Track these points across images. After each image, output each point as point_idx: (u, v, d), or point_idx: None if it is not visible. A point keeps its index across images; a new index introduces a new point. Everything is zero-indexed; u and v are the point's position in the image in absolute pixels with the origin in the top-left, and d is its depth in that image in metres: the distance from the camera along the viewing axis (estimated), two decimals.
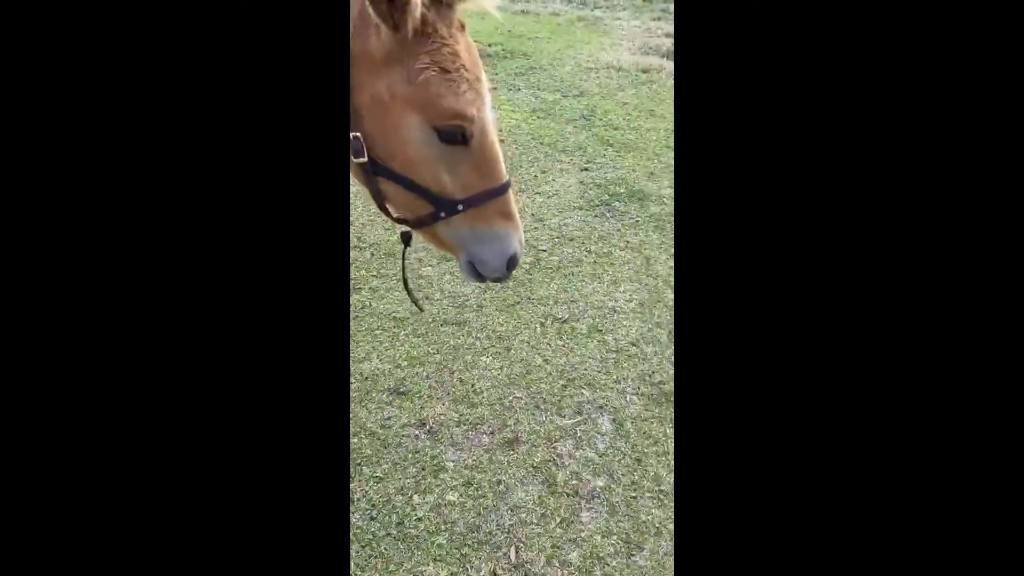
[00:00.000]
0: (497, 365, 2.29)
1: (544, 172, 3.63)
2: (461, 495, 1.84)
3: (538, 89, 4.78)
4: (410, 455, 1.94)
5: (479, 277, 1.22)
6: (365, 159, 1.10)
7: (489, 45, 5.50)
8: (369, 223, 3.07)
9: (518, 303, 2.61)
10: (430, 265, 2.80)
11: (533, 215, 3.22)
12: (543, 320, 2.53)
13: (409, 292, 1.39)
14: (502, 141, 3.91)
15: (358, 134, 1.08)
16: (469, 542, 1.72)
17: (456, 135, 1.07)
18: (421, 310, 1.75)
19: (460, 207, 1.13)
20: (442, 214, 1.14)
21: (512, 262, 1.21)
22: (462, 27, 1.09)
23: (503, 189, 1.15)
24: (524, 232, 3.27)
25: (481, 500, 1.83)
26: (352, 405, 2.10)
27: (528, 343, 2.41)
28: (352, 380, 2.19)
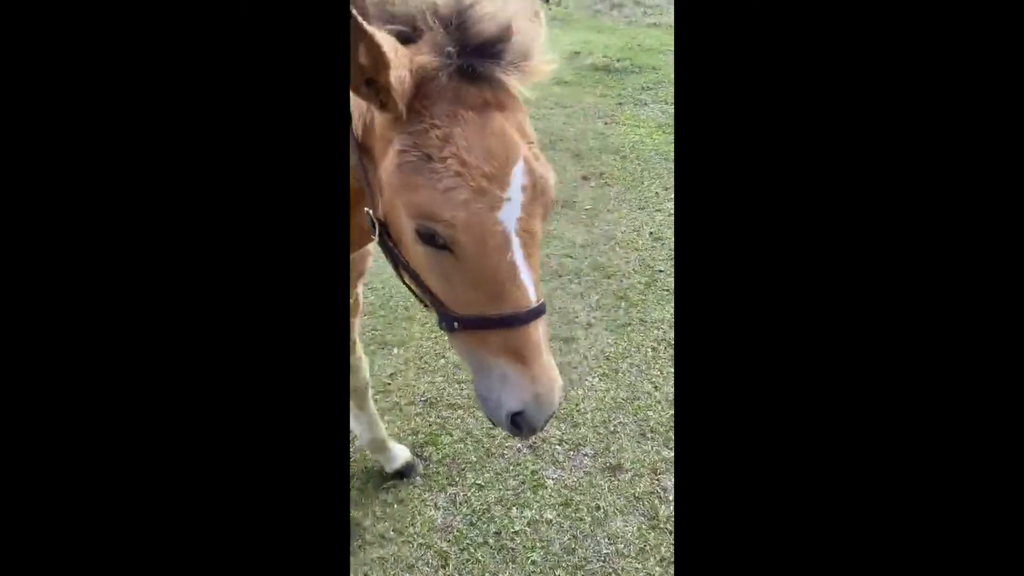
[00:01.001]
0: (603, 387, 2.25)
1: (667, 189, 3.51)
2: (559, 515, 1.82)
3: (666, 103, 4.65)
4: (511, 467, 1.97)
5: (491, 419, 0.93)
6: (376, 239, 0.95)
7: (617, 60, 5.47)
8: None
9: (629, 324, 2.54)
10: (543, 279, 2.83)
11: (651, 234, 3.13)
12: (655, 344, 2.44)
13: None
14: (622, 157, 3.87)
15: (369, 210, 0.94)
16: (564, 564, 1.70)
17: (433, 239, 0.84)
18: None
19: (455, 324, 0.89)
20: (443, 324, 0.92)
21: (520, 421, 0.88)
22: (487, 105, 0.83)
23: (512, 321, 0.86)
24: (642, 251, 3.14)
25: (578, 523, 1.80)
26: (460, 412, 2.18)
27: (638, 367, 2.34)
28: (462, 388, 2.27)
